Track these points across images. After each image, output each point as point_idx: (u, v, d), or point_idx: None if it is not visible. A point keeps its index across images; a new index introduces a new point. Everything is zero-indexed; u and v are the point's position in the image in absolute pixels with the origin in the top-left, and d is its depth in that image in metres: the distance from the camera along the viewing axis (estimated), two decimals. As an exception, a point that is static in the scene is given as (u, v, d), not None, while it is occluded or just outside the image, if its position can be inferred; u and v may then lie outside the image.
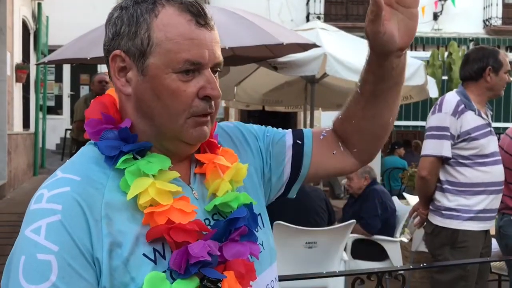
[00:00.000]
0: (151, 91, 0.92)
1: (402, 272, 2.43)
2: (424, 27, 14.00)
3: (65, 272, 0.83)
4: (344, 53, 5.12)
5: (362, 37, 8.35)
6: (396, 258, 4.22)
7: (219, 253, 0.90)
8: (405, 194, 5.88)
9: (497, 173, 2.88)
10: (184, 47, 0.90)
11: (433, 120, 2.91)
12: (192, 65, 0.91)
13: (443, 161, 2.87)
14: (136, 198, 0.88)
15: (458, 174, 2.84)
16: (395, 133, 13.10)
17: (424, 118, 3.09)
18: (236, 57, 4.62)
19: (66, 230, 0.84)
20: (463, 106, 2.83)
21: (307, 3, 13.99)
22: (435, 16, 14.19)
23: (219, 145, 1.05)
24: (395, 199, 4.76)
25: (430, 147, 2.88)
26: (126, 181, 0.89)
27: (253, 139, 1.16)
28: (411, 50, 13.82)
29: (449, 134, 2.81)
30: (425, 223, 3.03)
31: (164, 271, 0.87)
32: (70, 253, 0.83)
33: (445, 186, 2.88)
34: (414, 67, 5.67)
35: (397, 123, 10.18)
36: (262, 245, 1.03)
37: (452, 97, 2.90)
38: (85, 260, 0.84)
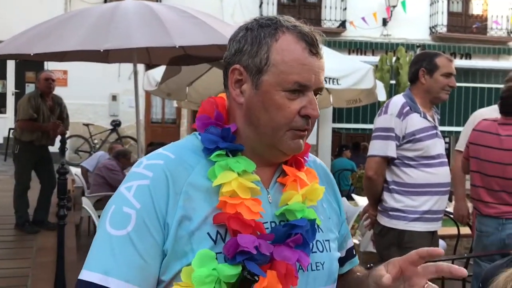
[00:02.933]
0: (261, 103, 1.06)
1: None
2: (374, 33, 14.35)
3: (139, 227, 1.00)
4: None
5: (313, 40, 8.48)
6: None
7: (268, 254, 1.00)
8: (353, 195, 5.98)
9: (442, 174, 2.95)
10: (296, 70, 1.04)
11: (379, 121, 2.97)
12: (299, 87, 1.05)
13: (389, 161, 2.92)
14: (217, 187, 1.03)
15: (404, 174, 2.90)
16: (344, 135, 13.34)
17: (372, 121, 3.13)
18: (187, 56, 4.56)
19: (150, 194, 1.01)
20: (408, 108, 2.90)
21: (260, 6, 14.05)
22: (384, 22, 14.58)
23: (304, 165, 1.18)
24: (343, 200, 4.82)
25: (376, 148, 2.93)
26: (214, 171, 1.05)
27: (338, 201, 1.29)
28: (361, 54, 14.15)
29: (394, 135, 2.87)
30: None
31: (219, 252, 1.00)
32: (148, 213, 1.00)
33: (392, 186, 2.94)
34: (363, 71, 5.80)
35: (346, 125, 10.41)
36: (322, 265, 1.14)
37: (398, 100, 2.97)
38: (158, 222, 1.00)
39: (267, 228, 1.06)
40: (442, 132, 3.31)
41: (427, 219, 2.91)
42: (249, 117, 1.09)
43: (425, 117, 2.92)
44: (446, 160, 3.02)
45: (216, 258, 0.99)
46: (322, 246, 1.15)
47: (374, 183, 2.96)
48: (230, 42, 1.11)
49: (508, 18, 15.13)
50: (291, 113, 1.05)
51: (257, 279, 0.98)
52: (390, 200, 2.93)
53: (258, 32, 1.07)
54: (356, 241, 4.60)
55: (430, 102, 3.00)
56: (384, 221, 2.96)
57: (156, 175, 1.03)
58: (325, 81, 5.35)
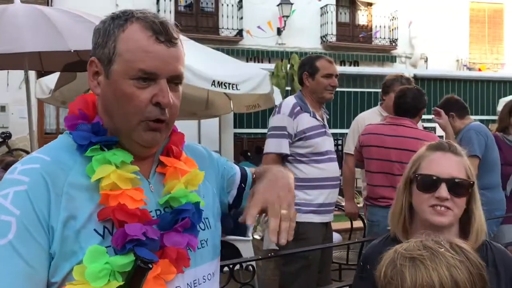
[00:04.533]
0: (112, 93, 1.08)
1: (252, 263, 2.57)
2: (269, 41, 14.86)
3: (21, 233, 0.97)
4: (195, 61, 5.23)
5: (212, 48, 8.42)
6: (249, 257, 4.41)
7: (156, 238, 1.04)
8: (255, 196, 6.15)
9: (331, 169, 3.19)
10: (140, 58, 1.05)
11: (273, 121, 3.16)
12: (145, 74, 1.06)
13: (283, 158, 3.11)
14: (97, 183, 1.04)
15: (297, 170, 3.09)
16: (246, 140, 13.62)
17: (271, 125, 3.31)
18: (83, 62, 4.46)
19: (29, 199, 0.99)
20: (299, 108, 3.12)
21: (157, 13, 13.94)
22: (279, 32, 15.14)
23: (182, 153, 1.22)
24: (246, 200, 4.95)
25: (271, 146, 3.11)
26: (92, 167, 1.05)
27: (216, 164, 1.35)
28: (258, 62, 14.56)
29: (286, 133, 3.07)
30: None
31: (109, 246, 1.01)
32: (29, 219, 0.98)
33: (287, 181, 3.10)
34: (261, 76, 6.02)
35: (247, 130, 10.65)
36: (206, 241, 1.21)
37: (289, 100, 3.19)
38: (40, 226, 0.99)
39: (153, 217, 1.09)
40: (335, 134, 3.56)
41: (321, 212, 3.14)
42: (106, 107, 1.11)
43: (314, 117, 3.16)
44: (335, 156, 3.27)
45: (107, 252, 1.00)
46: (204, 224, 1.21)
47: None
48: (92, 37, 1.14)
49: (390, 28, 16.41)
50: (141, 102, 1.06)
51: (150, 266, 0.98)
52: (285, 194, 3.10)
53: (108, 24, 1.10)
54: (258, 237, 4.76)
55: (318, 102, 3.25)
56: (281, 215, 3.11)
57: (34, 179, 1.01)
58: (225, 86, 5.52)
